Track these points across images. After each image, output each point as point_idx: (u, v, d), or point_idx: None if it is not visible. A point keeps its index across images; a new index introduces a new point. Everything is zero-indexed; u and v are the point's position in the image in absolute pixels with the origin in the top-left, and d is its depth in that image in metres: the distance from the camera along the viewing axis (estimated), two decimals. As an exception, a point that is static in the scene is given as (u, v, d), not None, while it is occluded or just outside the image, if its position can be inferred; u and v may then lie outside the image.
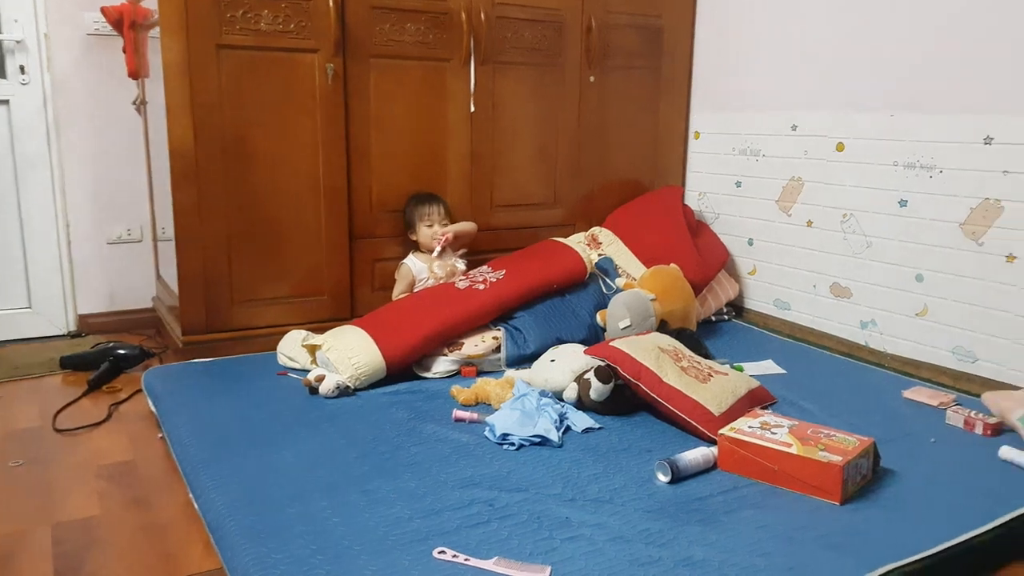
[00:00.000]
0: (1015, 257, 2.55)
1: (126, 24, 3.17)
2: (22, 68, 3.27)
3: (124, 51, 3.24)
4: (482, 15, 3.14)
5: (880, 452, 2.00)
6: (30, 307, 3.42)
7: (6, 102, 3.27)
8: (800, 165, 3.26)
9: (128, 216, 3.51)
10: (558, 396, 2.42)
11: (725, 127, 3.61)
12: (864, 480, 1.94)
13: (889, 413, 2.43)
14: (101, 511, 2.01)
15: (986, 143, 2.60)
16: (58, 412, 2.61)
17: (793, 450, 1.91)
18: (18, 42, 3.25)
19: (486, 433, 2.20)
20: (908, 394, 2.57)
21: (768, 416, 2.13)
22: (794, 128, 3.27)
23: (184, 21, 2.65)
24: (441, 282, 3.00)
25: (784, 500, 1.87)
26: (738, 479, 1.96)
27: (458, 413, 2.33)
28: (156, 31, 2.76)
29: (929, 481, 1.98)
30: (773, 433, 2.00)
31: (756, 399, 2.37)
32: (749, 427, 2.04)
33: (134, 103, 3.41)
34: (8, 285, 3.37)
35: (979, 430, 2.28)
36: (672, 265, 3.11)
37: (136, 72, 3.23)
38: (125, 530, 1.93)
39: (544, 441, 2.15)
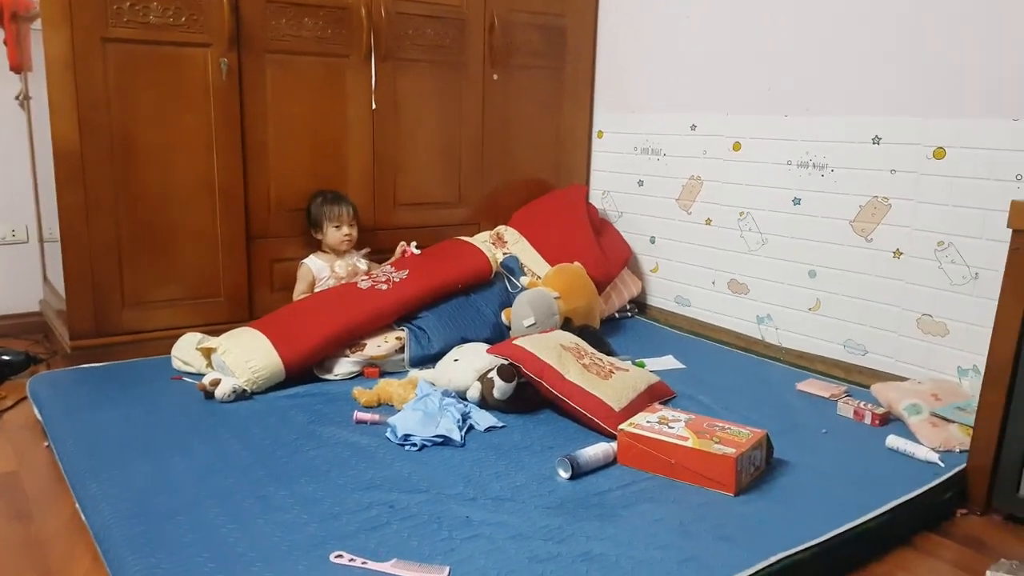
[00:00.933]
0: (902, 253, 2.66)
1: (7, 15, 3.03)
2: None
3: (5, 43, 3.10)
4: (382, 11, 3.10)
5: (773, 443, 2.07)
6: (-94, 312, 3.24)
7: None
8: (699, 164, 3.34)
9: (12, 216, 3.35)
10: (462, 396, 2.41)
11: (627, 127, 3.67)
12: (758, 471, 1.99)
13: (783, 405, 2.51)
14: (-18, 526, 1.91)
15: (874, 143, 2.71)
16: (-66, 423, 2.47)
17: (689, 443, 1.95)
18: None
19: (387, 434, 2.18)
20: (802, 386, 2.66)
21: (666, 411, 2.17)
22: (693, 128, 3.35)
23: (68, 13, 2.54)
24: (343, 282, 2.96)
25: (681, 493, 1.91)
26: (637, 473, 1.99)
27: (359, 415, 2.29)
28: (39, 23, 2.63)
29: (820, 471, 2.05)
30: (670, 427, 2.03)
31: (656, 394, 2.42)
32: (647, 422, 2.07)
33: (17, 98, 3.25)
34: None
35: (868, 420, 2.37)
36: (576, 263, 3.14)
37: (18, 66, 3.09)
38: (7, 545, 1.84)
39: (446, 441, 2.15)
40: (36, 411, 2.42)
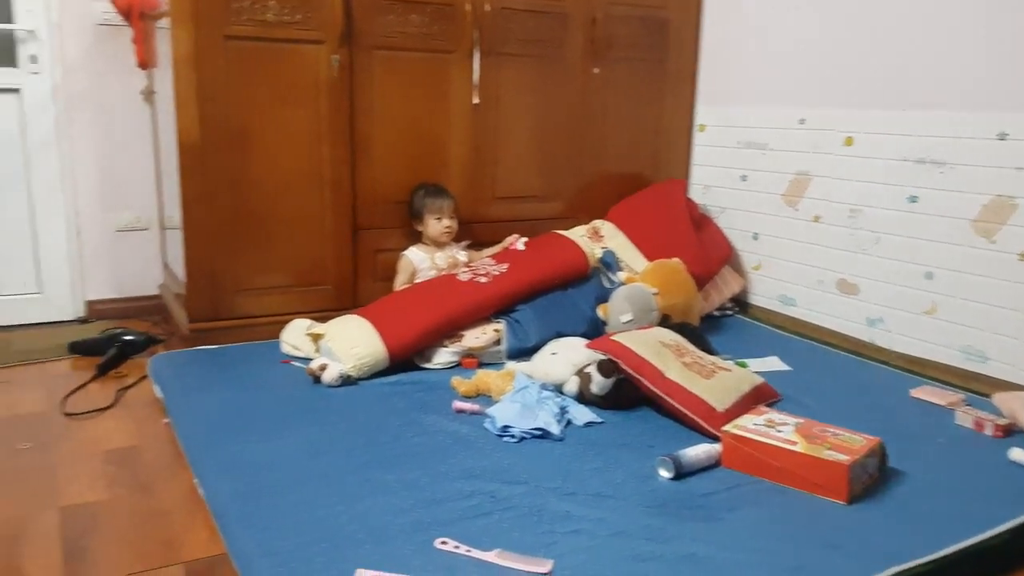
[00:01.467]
0: (1026, 255, 2.54)
1: (135, 14, 3.18)
2: (33, 57, 3.27)
3: (133, 41, 3.25)
4: (487, 6, 3.13)
5: (887, 452, 1.99)
6: (39, 292, 3.44)
7: (17, 91, 3.27)
8: (808, 159, 3.24)
9: (136, 204, 3.51)
10: (558, 389, 2.42)
11: (731, 120, 3.59)
12: (871, 480, 1.93)
13: (896, 412, 2.42)
14: (108, 495, 2.02)
15: (1000, 139, 2.58)
16: (66, 396, 2.63)
17: (798, 448, 1.90)
18: (30, 32, 3.25)
19: (486, 425, 2.20)
20: (916, 393, 2.55)
21: (773, 413, 2.12)
22: (802, 122, 3.25)
23: (193, 12, 2.65)
24: (443, 274, 3.00)
25: (788, 498, 1.86)
26: (741, 476, 1.95)
27: (459, 404, 2.33)
28: (165, 21, 2.76)
29: (937, 483, 1.96)
30: (778, 431, 1.99)
31: (760, 396, 2.37)
32: (754, 424, 2.03)
33: (143, 93, 3.41)
34: (18, 271, 3.38)
35: (989, 431, 2.25)
36: (675, 259, 3.09)
37: (145, 62, 3.24)
38: (131, 515, 1.94)
39: (545, 434, 2.15)
40: (156, 389, 2.55)
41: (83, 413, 2.52)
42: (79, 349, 3.05)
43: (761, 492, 1.89)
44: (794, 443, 1.92)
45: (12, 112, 3.28)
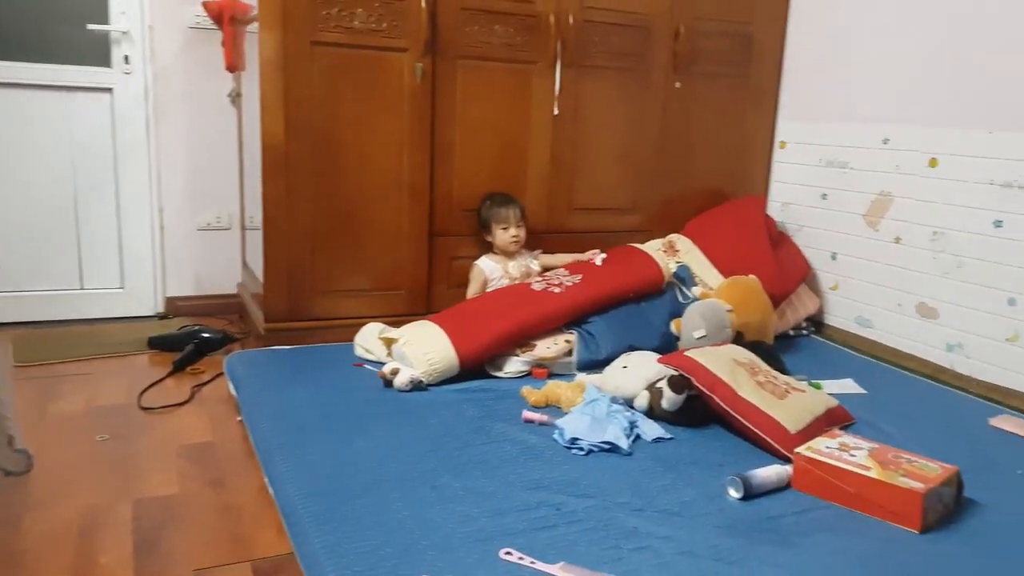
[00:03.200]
0: (1118, 286, 2.43)
1: (226, 19, 3.27)
2: (126, 58, 3.41)
3: (223, 44, 3.34)
4: (570, 18, 3.14)
5: (964, 481, 1.93)
6: (122, 288, 3.57)
7: (110, 90, 3.41)
8: (890, 179, 3.17)
9: (218, 204, 3.62)
10: (628, 403, 2.40)
11: (813, 138, 3.53)
12: (946, 510, 1.87)
13: (974, 441, 2.34)
14: (180, 490, 2.09)
15: (1093, 165, 2.49)
16: (144, 391, 2.72)
17: (872, 474, 1.86)
18: (124, 33, 3.39)
19: (555, 436, 2.20)
20: (995, 422, 2.48)
21: (847, 437, 2.07)
22: (885, 142, 3.18)
23: (281, 17, 2.72)
24: (516, 283, 3.01)
25: (861, 525, 1.82)
26: (813, 500, 1.92)
27: (528, 414, 2.33)
28: (254, 26, 2.84)
29: (1016, 515, 1.90)
30: (852, 455, 1.94)
31: (834, 419, 2.32)
32: (827, 447, 1.99)
33: (229, 95, 3.51)
34: (103, 266, 3.52)
35: (1070, 464, 2.18)
36: (751, 276, 3.05)
37: (233, 65, 3.33)
38: (202, 510, 1.99)
39: (613, 448, 2.14)
40: (231, 387, 2.61)
41: (159, 408, 2.60)
42: (158, 344, 3.15)
43: (832, 517, 1.85)
44: (868, 468, 1.88)
45: (104, 111, 3.42)
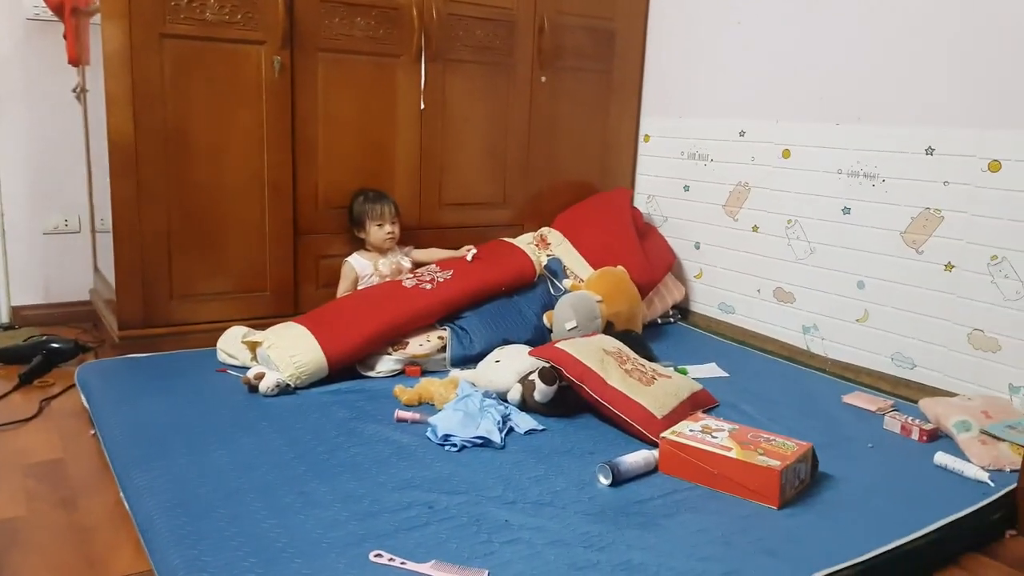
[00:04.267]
0: (953, 266, 2.61)
1: (67, 10, 3.09)
2: (-43, 52, 3.16)
3: (65, 37, 3.16)
4: (434, 12, 3.11)
5: (818, 457, 2.03)
6: (-39, 298, 3.32)
7: (-61, 87, 3.16)
8: (747, 171, 3.30)
9: (66, 206, 3.42)
10: (502, 397, 2.41)
11: (674, 131, 3.64)
12: (802, 485, 1.96)
13: (829, 418, 2.47)
14: (27, 511, 1.95)
15: (927, 153, 2.66)
16: (-14, 407, 2.53)
17: (732, 454, 1.93)
18: (-46, 25, 3.14)
19: (428, 434, 2.18)
20: (848, 399, 2.62)
21: (709, 420, 2.14)
22: (742, 134, 3.31)
23: (126, 8, 2.58)
24: (386, 280, 2.97)
25: (723, 504, 1.88)
26: (678, 482, 1.97)
27: (400, 413, 2.30)
28: (98, 18, 2.69)
29: (866, 486, 2.01)
30: (714, 437, 2.01)
31: (698, 402, 2.39)
32: (690, 430, 2.05)
33: (74, 90, 3.32)
34: (-62, 275, 3.27)
35: (915, 436, 2.32)
36: (619, 267, 3.12)
37: (77, 59, 3.15)
38: (51, 531, 1.87)
39: (486, 442, 2.14)
40: (83, 399, 2.47)
41: (3, 425, 2.43)
42: (2, 357, 2.96)
43: (697, 498, 1.91)
44: (728, 449, 1.95)
45: (-64, 109, 3.17)
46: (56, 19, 3.18)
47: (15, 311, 3.39)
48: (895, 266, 2.77)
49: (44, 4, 3.16)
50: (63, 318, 3.42)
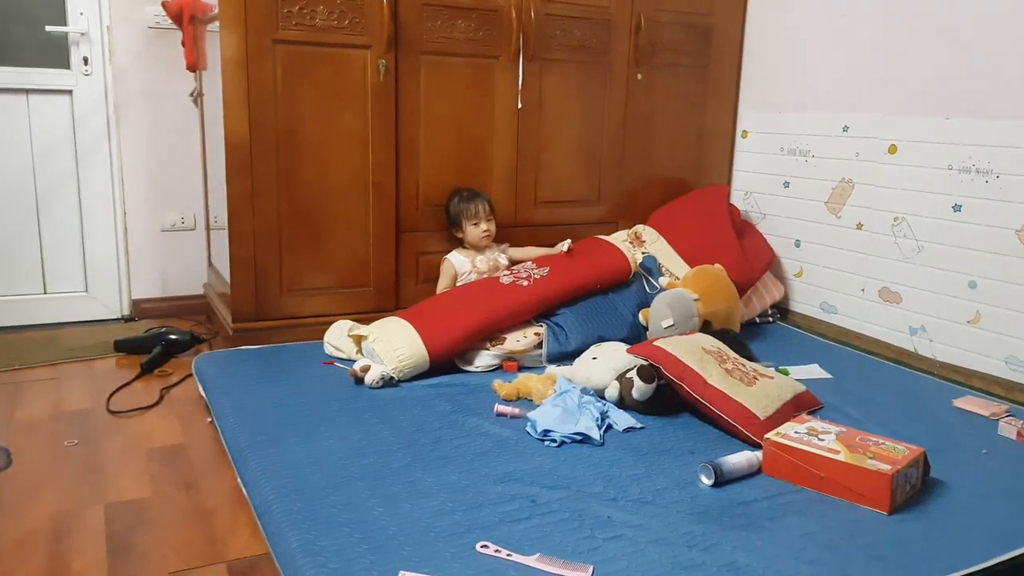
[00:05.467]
0: (1073, 266, 2.49)
1: (185, 18, 3.24)
2: (85, 59, 3.35)
3: (183, 44, 3.31)
4: (532, 12, 3.14)
5: (930, 462, 1.97)
6: (86, 291, 3.52)
7: (69, 92, 3.36)
8: (851, 167, 3.22)
9: (182, 204, 3.58)
10: (599, 394, 2.42)
11: (774, 127, 3.58)
12: (913, 490, 1.91)
13: (939, 422, 2.39)
14: (152, 493, 2.06)
15: (1046, 148, 2.55)
16: (111, 394, 2.68)
17: (840, 457, 1.89)
18: (83, 34, 3.33)
19: (527, 429, 2.21)
20: (958, 403, 2.53)
21: (815, 422, 2.11)
22: (845, 129, 3.23)
23: (242, 16, 2.70)
24: (484, 277, 3.02)
25: (830, 508, 1.85)
26: (783, 485, 1.95)
27: (500, 407, 2.34)
28: (214, 25, 2.82)
29: (980, 494, 1.94)
30: (820, 439, 1.98)
31: (802, 404, 2.35)
32: (795, 432, 2.02)
33: (191, 95, 3.47)
34: (66, 269, 3.47)
35: (1032, 442, 2.23)
36: (716, 265, 3.08)
37: (194, 65, 3.30)
38: (175, 512, 1.97)
39: (586, 439, 2.16)
40: (200, 388, 2.59)
41: (128, 411, 2.57)
42: (124, 347, 3.12)
43: (803, 501, 1.88)
44: (836, 452, 1.91)
45: (64, 113, 3.37)
46: (175, 27, 3.34)
47: (135, 304, 3.58)
48: (1010, 265, 2.66)
49: (164, 13, 3.32)
50: (179, 311, 3.59)
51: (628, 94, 3.47)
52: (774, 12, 3.56)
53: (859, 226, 3.19)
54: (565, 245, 3.06)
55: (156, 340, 3.06)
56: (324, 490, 1.85)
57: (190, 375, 2.75)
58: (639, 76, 3.47)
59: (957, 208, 2.82)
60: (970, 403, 2.52)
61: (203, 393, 2.55)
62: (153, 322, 3.42)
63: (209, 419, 2.45)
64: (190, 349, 3.10)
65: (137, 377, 2.86)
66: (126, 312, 3.58)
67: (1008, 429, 2.30)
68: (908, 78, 2.98)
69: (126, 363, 3.01)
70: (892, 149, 3.05)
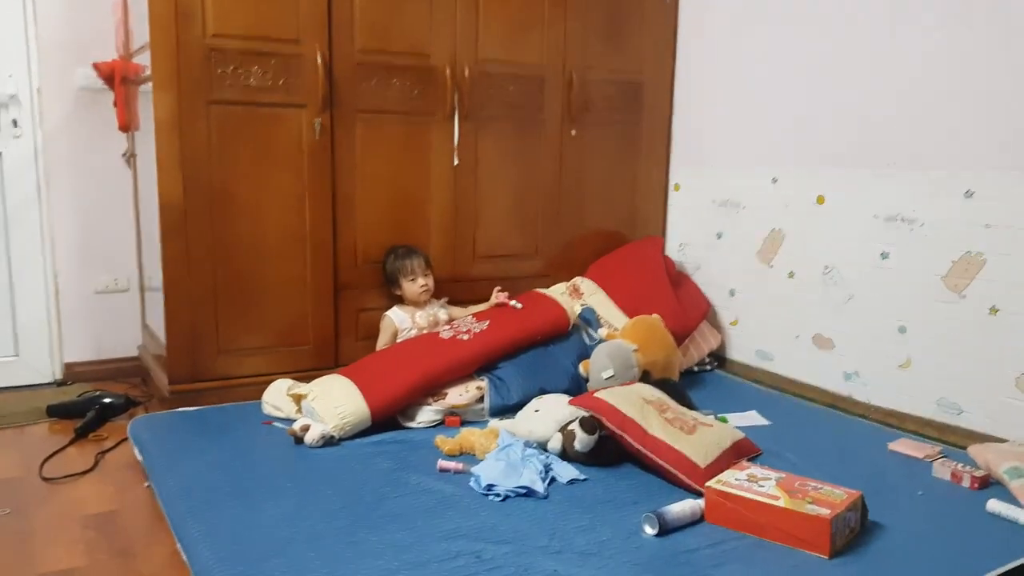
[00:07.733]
0: (998, 309, 2.59)
1: (117, 79, 3.22)
2: (15, 122, 3.29)
3: (115, 105, 3.28)
4: (466, 71, 3.20)
5: (867, 505, 2.01)
6: (17, 355, 3.41)
7: (-2, 155, 3.29)
8: (781, 217, 3.32)
9: (115, 266, 3.52)
10: (542, 447, 2.42)
11: (705, 180, 3.68)
12: (852, 534, 1.94)
13: (875, 466, 2.44)
14: (86, 562, 1.99)
15: (967, 197, 2.66)
16: (45, 460, 2.59)
17: (781, 503, 1.92)
18: (11, 96, 3.28)
19: (471, 483, 2.20)
20: (893, 446, 2.58)
21: (754, 468, 2.14)
22: (774, 181, 3.34)
23: (176, 77, 2.70)
24: (424, 332, 3.01)
25: (772, 553, 1.87)
26: (725, 532, 1.96)
27: (443, 463, 2.32)
28: (147, 86, 2.80)
29: (917, 535, 1.98)
30: (760, 486, 2.00)
31: (741, 451, 2.38)
32: (736, 479, 2.05)
33: (124, 155, 3.44)
34: (-6, 333, 3.36)
35: (966, 483, 2.27)
36: (654, 315, 3.13)
37: (127, 126, 3.27)
38: (109, 583, 1.91)
39: (530, 492, 2.15)
40: (136, 452, 2.52)
41: (62, 477, 2.48)
42: (57, 412, 3.02)
43: (745, 547, 1.89)
44: (776, 498, 1.94)
45: (-8, 176, 3.29)
46: (107, 88, 3.32)
47: (67, 368, 3.48)
48: (937, 311, 2.76)
49: (95, 74, 3.29)
50: (113, 374, 3.50)
51: (563, 150, 3.54)
52: (701, 69, 3.68)
53: (791, 275, 3.28)
54: (502, 295, 3.08)
55: (90, 404, 2.98)
56: (266, 554, 1.81)
57: (126, 439, 2.67)
58: (573, 132, 3.55)
59: (885, 256, 2.92)
60: (905, 446, 2.58)
61: (139, 457, 2.49)
62: (87, 386, 3.32)
63: (146, 483, 2.38)
64: (125, 412, 3.01)
65: (71, 442, 2.77)
66: (58, 376, 3.47)
67: (943, 470, 2.35)
68: (832, 131, 3.10)
69: (59, 428, 2.92)
70: (820, 200, 3.16)
